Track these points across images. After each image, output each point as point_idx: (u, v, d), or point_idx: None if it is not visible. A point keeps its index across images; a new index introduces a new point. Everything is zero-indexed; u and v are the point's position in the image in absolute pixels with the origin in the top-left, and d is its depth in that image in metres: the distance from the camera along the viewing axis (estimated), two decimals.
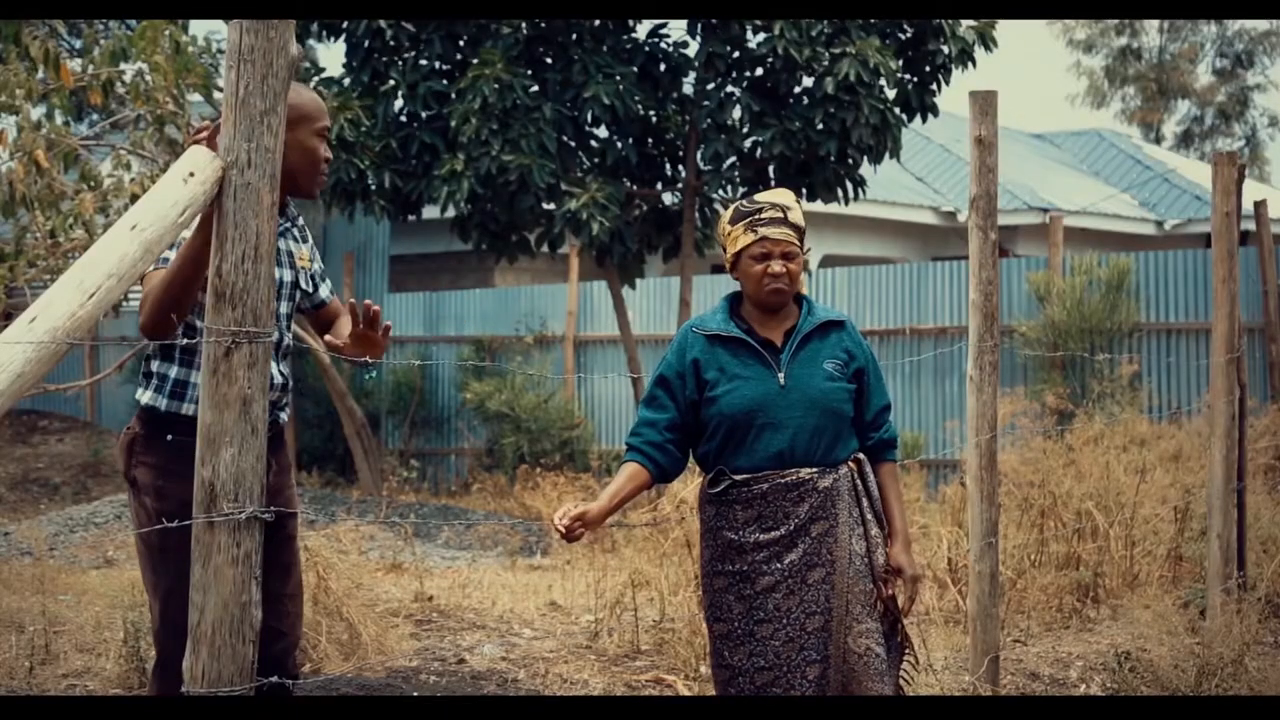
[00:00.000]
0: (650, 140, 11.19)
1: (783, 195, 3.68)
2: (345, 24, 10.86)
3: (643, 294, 13.88)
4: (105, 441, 16.01)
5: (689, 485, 6.29)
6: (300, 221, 3.64)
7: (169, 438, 3.38)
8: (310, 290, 3.64)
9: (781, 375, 3.56)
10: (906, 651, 3.70)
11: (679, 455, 3.64)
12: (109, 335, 17.36)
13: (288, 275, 3.50)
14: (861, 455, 3.65)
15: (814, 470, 3.55)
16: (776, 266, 3.57)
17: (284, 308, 3.47)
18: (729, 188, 11.14)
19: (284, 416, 3.55)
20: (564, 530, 3.42)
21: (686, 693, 5.41)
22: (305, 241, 3.64)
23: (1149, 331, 12.20)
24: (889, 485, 3.68)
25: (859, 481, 3.60)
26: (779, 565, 3.54)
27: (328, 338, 3.58)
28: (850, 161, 10.85)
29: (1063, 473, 7.63)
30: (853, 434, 3.63)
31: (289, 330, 3.54)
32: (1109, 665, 5.58)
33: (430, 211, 11.78)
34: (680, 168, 11.32)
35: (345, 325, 3.56)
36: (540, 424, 13.43)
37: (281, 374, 3.50)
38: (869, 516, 3.60)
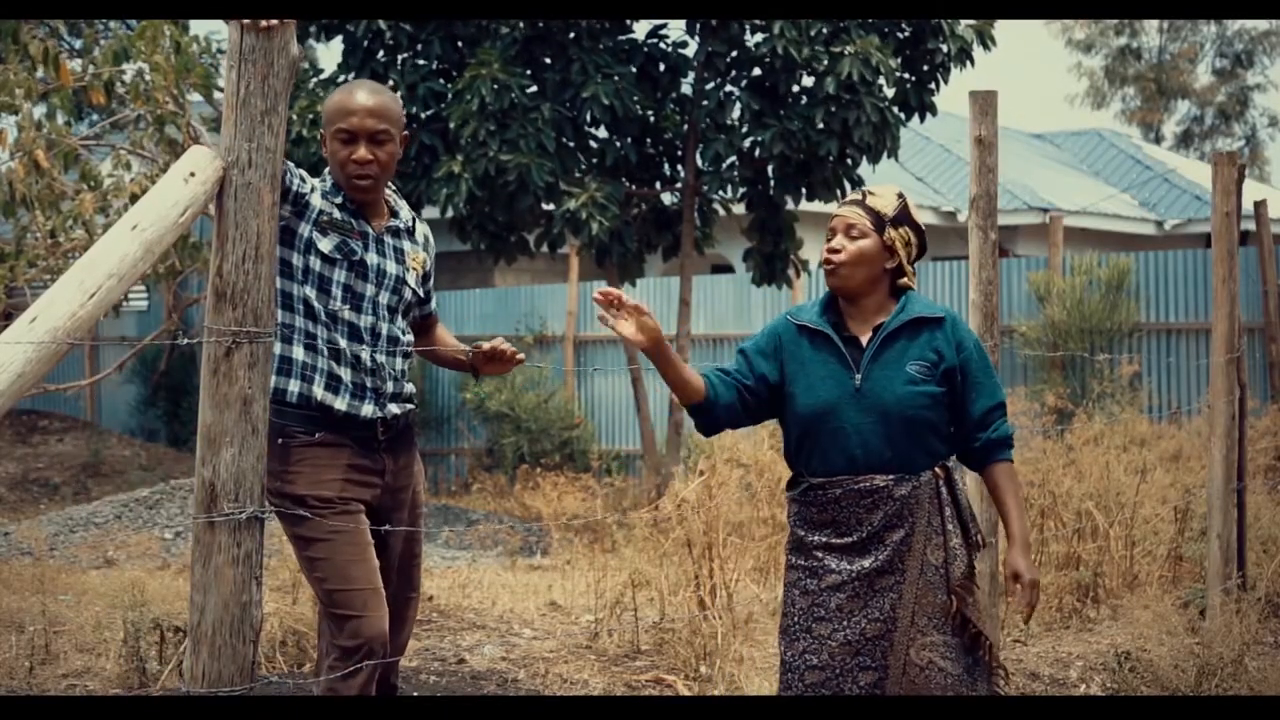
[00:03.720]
0: (649, 140, 11.18)
1: (878, 185, 3.61)
2: (344, 24, 10.85)
3: (642, 294, 13.88)
4: (105, 441, 16.01)
5: (689, 485, 6.28)
6: (424, 229, 3.79)
7: (278, 441, 3.50)
8: (422, 294, 3.76)
9: (858, 377, 3.44)
10: (996, 669, 3.54)
11: (736, 398, 3.49)
12: (109, 335, 17.37)
13: (392, 268, 3.62)
14: (950, 463, 3.49)
15: (890, 477, 3.41)
16: (834, 242, 3.49)
17: (384, 298, 3.60)
18: (728, 188, 11.14)
19: (395, 409, 3.64)
20: (608, 298, 3.32)
21: (686, 693, 5.40)
22: (426, 249, 3.77)
23: (1149, 331, 12.20)
24: (1005, 486, 3.50)
25: (944, 489, 3.45)
26: (848, 567, 3.42)
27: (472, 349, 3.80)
28: (849, 161, 10.85)
29: (1063, 473, 7.62)
30: (940, 439, 3.47)
31: (394, 323, 3.65)
32: (1109, 665, 5.58)
33: (429, 212, 11.77)
34: (679, 167, 11.31)
35: (448, 346, 3.88)
36: (540, 424, 13.43)
37: (375, 360, 3.59)
38: (950, 527, 3.44)
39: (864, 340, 3.48)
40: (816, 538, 3.47)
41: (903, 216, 3.53)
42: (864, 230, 3.47)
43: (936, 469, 3.46)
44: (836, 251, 3.47)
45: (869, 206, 3.51)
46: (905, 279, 3.54)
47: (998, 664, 3.56)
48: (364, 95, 3.53)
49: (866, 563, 3.42)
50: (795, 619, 3.48)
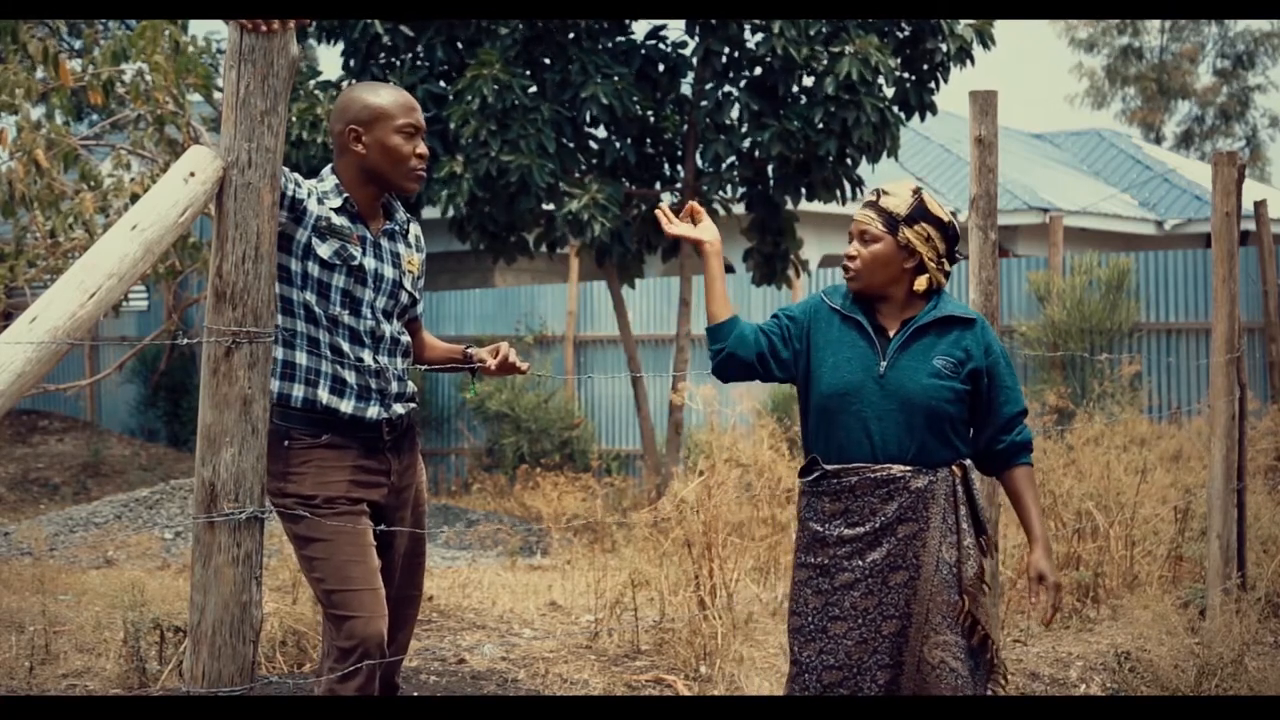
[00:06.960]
0: (649, 140, 11.19)
1: (894, 183, 3.61)
2: (343, 25, 10.85)
3: (642, 294, 13.88)
4: (105, 441, 16.01)
5: (689, 485, 6.28)
6: (415, 229, 3.78)
7: (285, 444, 3.51)
8: (416, 296, 3.74)
9: (884, 363, 3.45)
10: (996, 671, 3.55)
11: (758, 335, 3.55)
12: (109, 335, 17.37)
13: (389, 272, 3.62)
14: (968, 461, 3.50)
15: (908, 469, 3.42)
16: (850, 249, 3.53)
17: (380, 302, 3.59)
18: (728, 188, 11.14)
19: (399, 409, 3.64)
20: (672, 215, 3.58)
21: (686, 693, 5.40)
22: (419, 251, 3.77)
23: (1149, 331, 12.20)
24: (1026, 490, 3.54)
25: (960, 487, 3.46)
26: (860, 563, 3.42)
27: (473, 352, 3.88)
28: (849, 161, 10.85)
29: (1063, 472, 7.62)
30: (960, 437, 3.49)
31: (391, 324, 3.64)
32: (1109, 665, 5.59)
33: (430, 212, 11.77)
34: (679, 168, 11.32)
35: (438, 346, 3.89)
36: (540, 424, 13.43)
37: (378, 362, 3.58)
38: (965, 525, 3.44)
39: (892, 332, 3.51)
40: (828, 529, 3.46)
41: (918, 214, 3.50)
42: (876, 234, 3.49)
43: (954, 466, 3.47)
44: (853, 259, 3.52)
45: (882, 208, 3.51)
46: (927, 275, 3.51)
47: (1001, 667, 3.57)
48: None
49: (877, 556, 3.42)
50: (809, 619, 3.48)
